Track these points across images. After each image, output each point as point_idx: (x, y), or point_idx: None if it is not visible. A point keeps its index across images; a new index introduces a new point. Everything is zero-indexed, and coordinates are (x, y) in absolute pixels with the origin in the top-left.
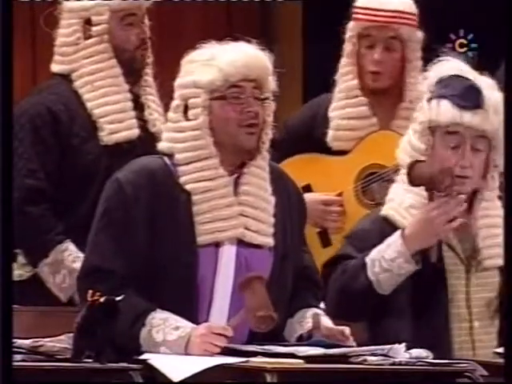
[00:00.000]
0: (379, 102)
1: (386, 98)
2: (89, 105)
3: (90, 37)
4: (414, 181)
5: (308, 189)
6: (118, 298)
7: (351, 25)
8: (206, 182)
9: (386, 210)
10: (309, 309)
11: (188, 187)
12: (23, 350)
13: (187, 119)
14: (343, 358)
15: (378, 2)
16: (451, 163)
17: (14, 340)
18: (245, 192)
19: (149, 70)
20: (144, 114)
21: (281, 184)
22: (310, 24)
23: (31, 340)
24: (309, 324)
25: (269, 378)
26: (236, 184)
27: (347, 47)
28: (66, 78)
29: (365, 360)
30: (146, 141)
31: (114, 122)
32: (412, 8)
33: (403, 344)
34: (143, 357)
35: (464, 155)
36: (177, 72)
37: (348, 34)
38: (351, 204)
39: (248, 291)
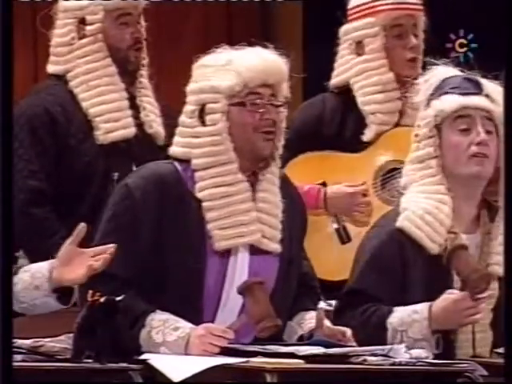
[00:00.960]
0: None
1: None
2: (84, 104)
3: (84, 36)
4: (450, 265)
5: (324, 186)
6: (118, 298)
7: (374, 20)
8: (225, 187)
9: (400, 222)
10: (307, 312)
11: (206, 192)
12: (23, 350)
13: (204, 124)
14: (343, 358)
15: None
16: (464, 146)
17: (14, 340)
18: (262, 199)
19: (144, 72)
20: (140, 116)
21: (286, 190)
22: (310, 25)
23: (31, 340)
24: (309, 325)
25: (269, 378)
26: (253, 190)
27: (373, 43)
28: (61, 78)
29: (365, 360)
30: (143, 142)
31: (110, 120)
32: None
33: (403, 344)
34: (143, 357)
35: (478, 133)
36: (177, 72)
37: (371, 31)
38: (371, 200)
39: (249, 297)
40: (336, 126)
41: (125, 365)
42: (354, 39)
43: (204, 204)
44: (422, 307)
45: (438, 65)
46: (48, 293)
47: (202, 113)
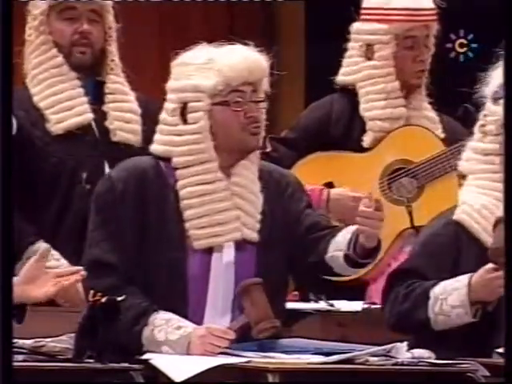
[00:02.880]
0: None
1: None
2: (35, 99)
3: (32, 31)
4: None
5: (331, 186)
6: (120, 298)
7: (386, 28)
8: (203, 185)
9: (458, 215)
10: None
11: (185, 191)
12: (25, 350)
13: (186, 123)
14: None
15: (418, 1)
16: None
17: (16, 340)
18: (236, 183)
19: (113, 76)
20: (105, 124)
21: (268, 177)
22: (312, 24)
23: (33, 340)
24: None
25: (271, 378)
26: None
27: (383, 50)
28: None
29: (367, 360)
30: (114, 148)
31: (61, 111)
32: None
33: (405, 343)
34: (145, 357)
35: None
36: None
37: (384, 38)
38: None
39: (247, 299)
40: (343, 127)
41: (126, 365)
42: (364, 42)
43: (183, 202)
44: (463, 277)
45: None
46: None
47: (183, 111)
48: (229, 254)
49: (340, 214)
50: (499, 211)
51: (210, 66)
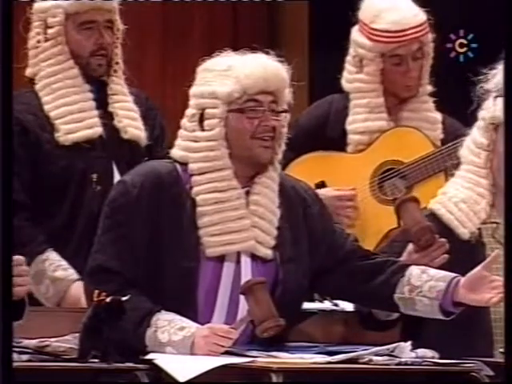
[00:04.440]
0: (394, 102)
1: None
2: (46, 107)
3: (47, 39)
4: (398, 215)
5: (323, 186)
6: (124, 298)
7: (371, 45)
8: (217, 193)
9: (433, 204)
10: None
11: (200, 197)
12: (29, 350)
13: (202, 129)
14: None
15: (401, 23)
16: None
17: (20, 340)
18: (254, 202)
19: (116, 78)
20: (114, 123)
21: (290, 195)
22: (316, 28)
23: (37, 340)
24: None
25: (274, 378)
26: (247, 195)
27: (370, 66)
28: (32, 82)
29: (370, 360)
30: (123, 144)
31: (71, 122)
32: (424, 15)
33: (409, 342)
34: (149, 357)
35: None
36: (185, 73)
37: (369, 54)
38: (367, 200)
39: (251, 298)
40: (340, 128)
41: (131, 365)
42: (356, 53)
43: (198, 209)
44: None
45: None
46: None
47: (201, 117)
48: (244, 265)
49: None
50: (479, 207)
51: (228, 73)
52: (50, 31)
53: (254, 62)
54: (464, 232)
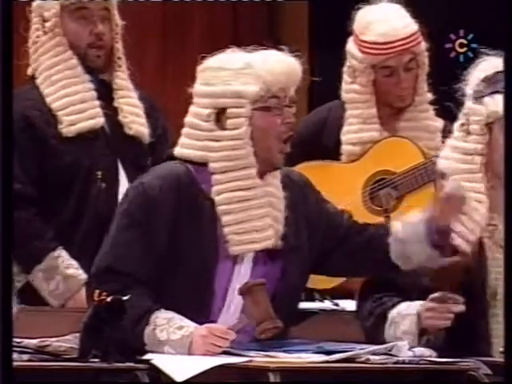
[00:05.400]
0: (389, 112)
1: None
2: (48, 100)
3: (45, 33)
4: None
5: None
6: (125, 298)
7: (362, 57)
8: (243, 191)
9: None
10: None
11: (223, 196)
12: (30, 350)
13: (223, 128)
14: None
15: (388, 34)
16: None
17: (21, 340)
18: (270, 194)
19: (121, 73)
20: (119, 118)
21: (286, 184)
22: (316, 28)
23: (38, 340)
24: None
25: (272, 378)
26: None
27: (362, 77)
28: (34, 78)
29: (368, 359)
30: (127, 141)
31: (73, 113)
32: (415, 25)
33: (406, 341)
34: (146, 357)
35: None
36: (184, 73)
37: (360, 66)
38: (359, 210)
39: (250, 299)
40: (336, 137)
41: (131, 364)
42: (350, 63)
43: (220, 207)
44: (416, 303)
45: (488, 55)
46: None
47: (219, 116)
48: (247, 266)
49: None
50: (479, 217)
51: (247, 71)
52: (47, 25)
53: (273, 59)
54: (466, 247)
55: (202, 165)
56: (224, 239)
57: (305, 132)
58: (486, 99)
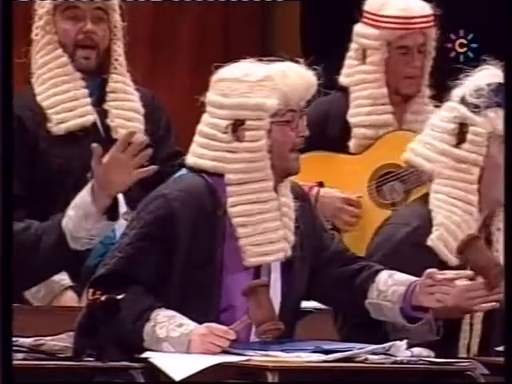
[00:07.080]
0: (397, 101)
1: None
2: (38, 98)
3: (38, 32)
4: (463, 255)
5: (321, 186)
6: (119, 297)
7: (378, 34)
8: (260, 204)
9: (434, 241)
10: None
11: (239, 208)
12: (24, 349)
13: (240, 140)
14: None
15: (409, 10)
16: None
17: (16, 338)
18: (284, 204)
19: (115, 75)
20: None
21: (294, 193)
22: (308, 28)
23: (32, 339)
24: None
25: (270, 377)
26: None
27: (374, 56)
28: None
29: (366, 359)
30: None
31: (63, 111)
32: (430, 8)
33: (404, 341)
34: (145, 355)
35: None
36: (173, 78)
37: (375, 43)
38: (365, 202)
39: (252, 300)
40: (339, 128)
41: (126, 363)
42: (360, 45)
43: (236, 219)
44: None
45: (489, 64)
46: (98, 216)
47: (236, 127)
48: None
49: (327, 213)
50: (470, 230)
51: (267, 83)
52: (39, 23)
53: (293, 73)
54: (453, 260)
55: (217, 175)
56: (239, 250)
57: (309, 125)
58: (490, 113)
